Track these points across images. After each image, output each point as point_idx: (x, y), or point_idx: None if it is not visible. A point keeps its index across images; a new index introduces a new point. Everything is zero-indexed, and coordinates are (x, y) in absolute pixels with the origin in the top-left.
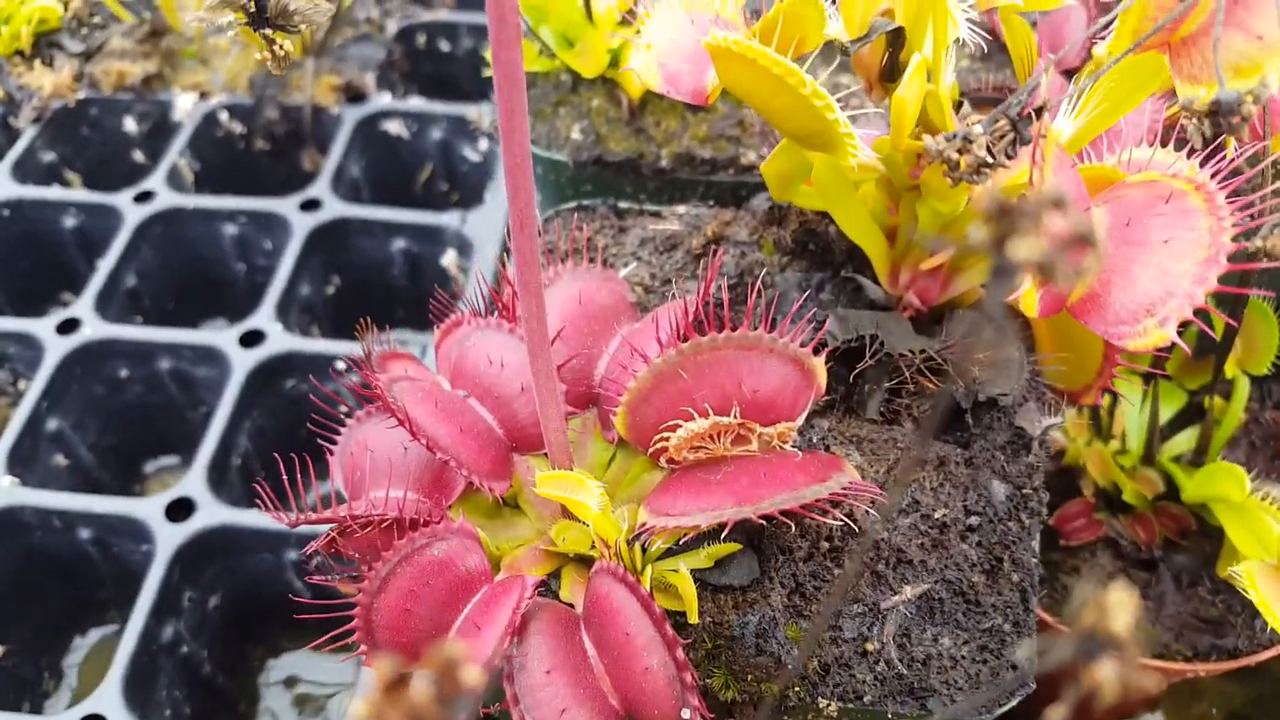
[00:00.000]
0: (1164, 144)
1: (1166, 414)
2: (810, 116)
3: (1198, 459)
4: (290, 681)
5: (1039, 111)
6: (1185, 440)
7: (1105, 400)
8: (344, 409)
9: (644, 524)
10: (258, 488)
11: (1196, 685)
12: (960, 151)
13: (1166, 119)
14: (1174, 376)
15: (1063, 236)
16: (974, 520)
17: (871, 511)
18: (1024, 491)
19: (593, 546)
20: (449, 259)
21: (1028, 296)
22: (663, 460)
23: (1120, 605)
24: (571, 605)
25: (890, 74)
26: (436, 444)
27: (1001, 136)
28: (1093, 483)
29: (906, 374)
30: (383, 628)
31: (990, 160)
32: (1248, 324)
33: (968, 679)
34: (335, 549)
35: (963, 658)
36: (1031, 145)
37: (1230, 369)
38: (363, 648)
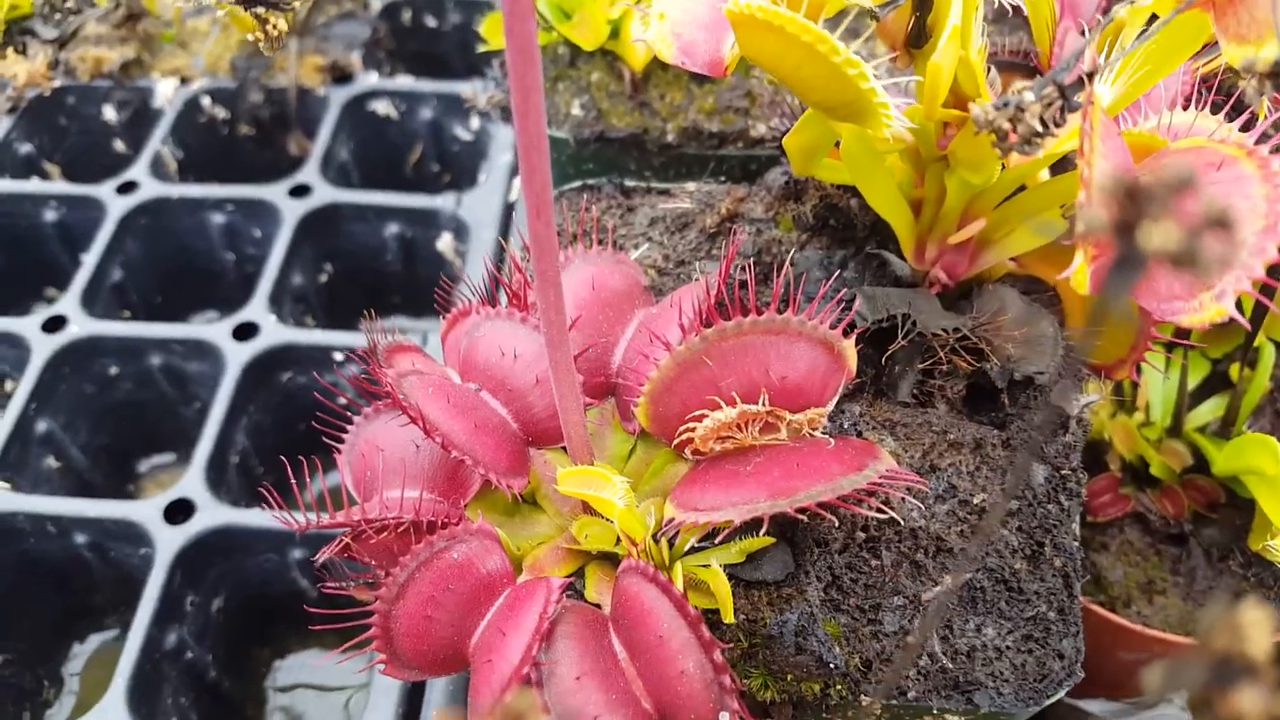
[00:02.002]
0: (1186, 108)
1: (1190, 384)
2: (841, 86)
3: (1224, 429)
4: (298, 684)
5: (1089, 77)
6: (1210, 410)
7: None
8: (343, 401)
9: (672, 519)
10: (263, 491)
11: None
12: (1012, 121)
13: (1201, 80)
14: (1196, 346)
15: (1197, 221)
16: (1013, 504)
17: (908, 499)
18: (1063, 472)
19: (617, 543)
20: (445, 243)
21: (1080, 273)
22: (687, 452)
23: (1255, 625)
24: (598, 606)
25: (917, 39)
26: (451, 442)
27: (1049, 104)
28: (1119, 457)
29: (941, 353)
30: (402, 635)
31: (1042, 130)
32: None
33: (1014, 670)
34: (349, 553)
35: (1008, 648)
36: (1079, 113)
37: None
38: (381, 656)
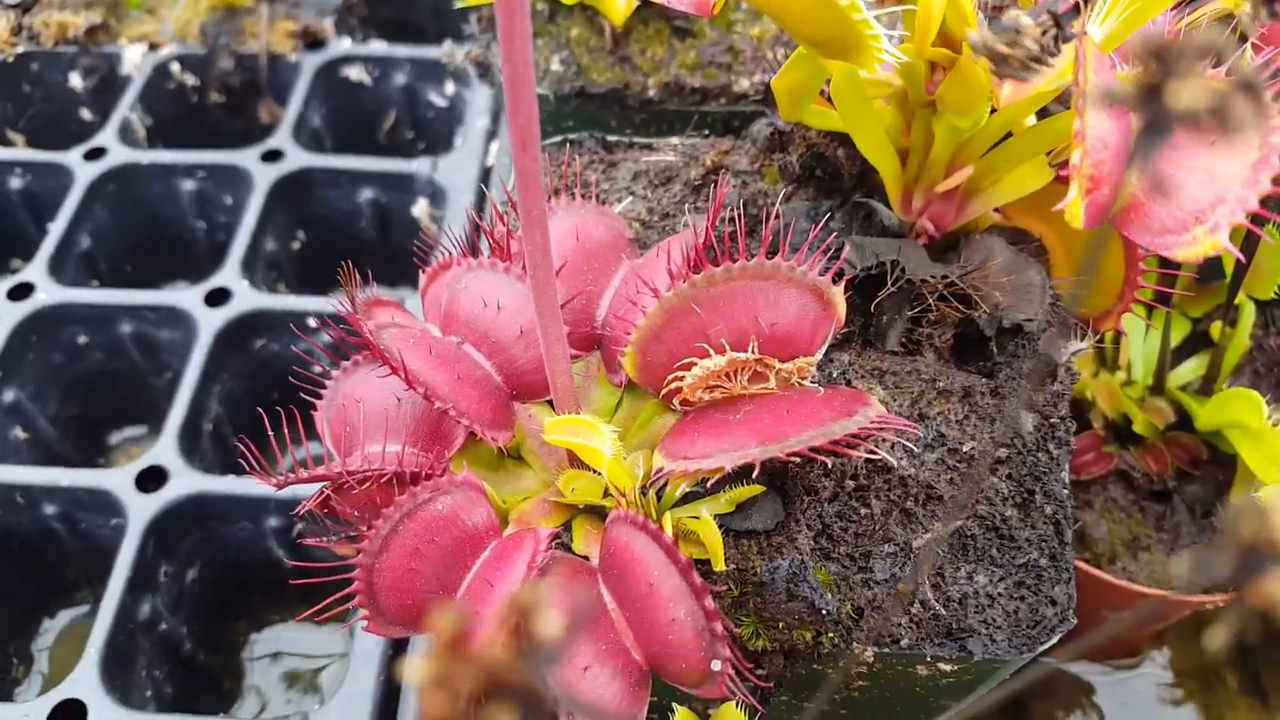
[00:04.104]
0: None
1: (1171, 343)
2: (833, 18)
3: (1205, 387)
4: (276, 655)
5: (1086, 2)
6: (1192, 368)
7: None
8: (319, 369)
9: (661, 469)
10: (241, 448)
11: (1202, 618)
12: (1010, 44)
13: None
14: (1177, 304)
15: (1224, 83)
16: (1003, 452)
17: (898, 445)
18: (1051, 421)
19: (605, 495)
20: (420, 208)
21: (1074, 206)
22: (675, 402)
23: None
24: (585, 558)
25: None
26: (434, 392)
27: (1044, 31)
28: (1101, 415)
29: (929, 301)
30: (386, 589)
31: (1038, 54)
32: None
33: (1006, 617)
34: (329, 509)
35: (1000, 595)
36: (1069, 47)
37: None
38: (364, 613)
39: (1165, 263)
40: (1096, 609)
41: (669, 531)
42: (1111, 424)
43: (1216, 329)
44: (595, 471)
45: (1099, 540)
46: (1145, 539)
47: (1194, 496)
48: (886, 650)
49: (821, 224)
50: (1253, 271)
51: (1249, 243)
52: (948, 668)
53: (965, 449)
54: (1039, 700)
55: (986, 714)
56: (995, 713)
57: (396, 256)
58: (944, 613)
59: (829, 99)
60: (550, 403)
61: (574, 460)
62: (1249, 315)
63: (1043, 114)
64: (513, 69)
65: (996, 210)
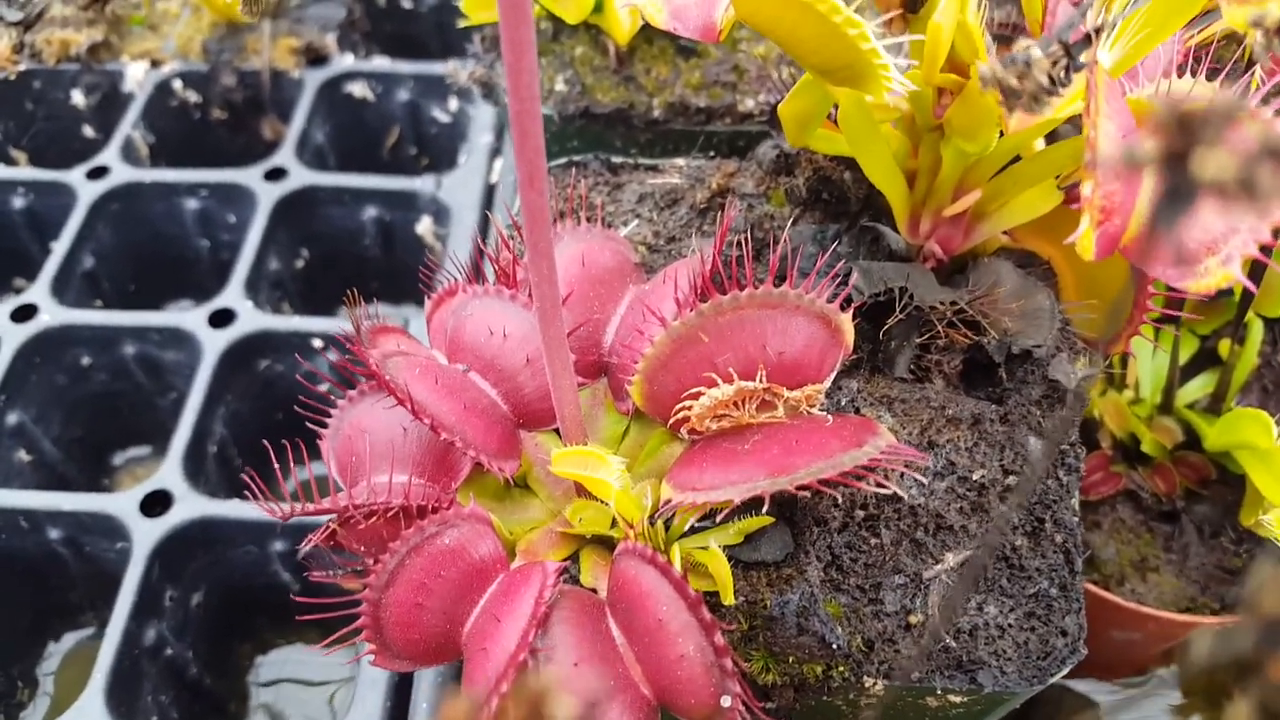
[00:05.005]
0: (1180, 76)
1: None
2: (841, 46)
3: (1213, 406)
4: (281, 679)
5: (1097, 32)
6: (1199, 387)
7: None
8: (324, 392)
9: (669, 500)
10: (245, 479)
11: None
12: (1020, 77)
13: (1188, 51)
14: (1185, 322)
15: (1252, 149)
16: (1012, 480)
17: (907, 475)
18: (1061, 448)
19: (612, 526)
20: (424, 226)
21: (1085, 237)
22: (683, 431)
23: None
24: (593, 590)
25: (913, 4)
26: (441, 423)
27: (1055, 62)
28: (1109, 435)
29: (938, 327)
30: (392, 624)
31: (1049, 86)
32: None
33: (1016, 648)
34: (335, 542)
35: (1010, 626)
36: (1080, 76)
37: None
38: (370, 647)
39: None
40: (1104, 632)
41: (677, 564)
42: (1120, 443)
43: (1224, 346)
44: (603, 501)
45: (1107, 561)
46: (1154, 560)
47: (1202, 517)
48: (897, 684)
49: (830, 250)
50: (1262, 290)
51: (1256, 270)
52: (958, 699)
53: (975, 477)
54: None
55: None
56: None
57: (400, 275)
58: (954, 645)
59: (835, 122)
60: (557, 431)
61: (581, 490)
62: (1257, 333)
63: (1050, 136)
64: (519, 104)
65: (1004, 233)
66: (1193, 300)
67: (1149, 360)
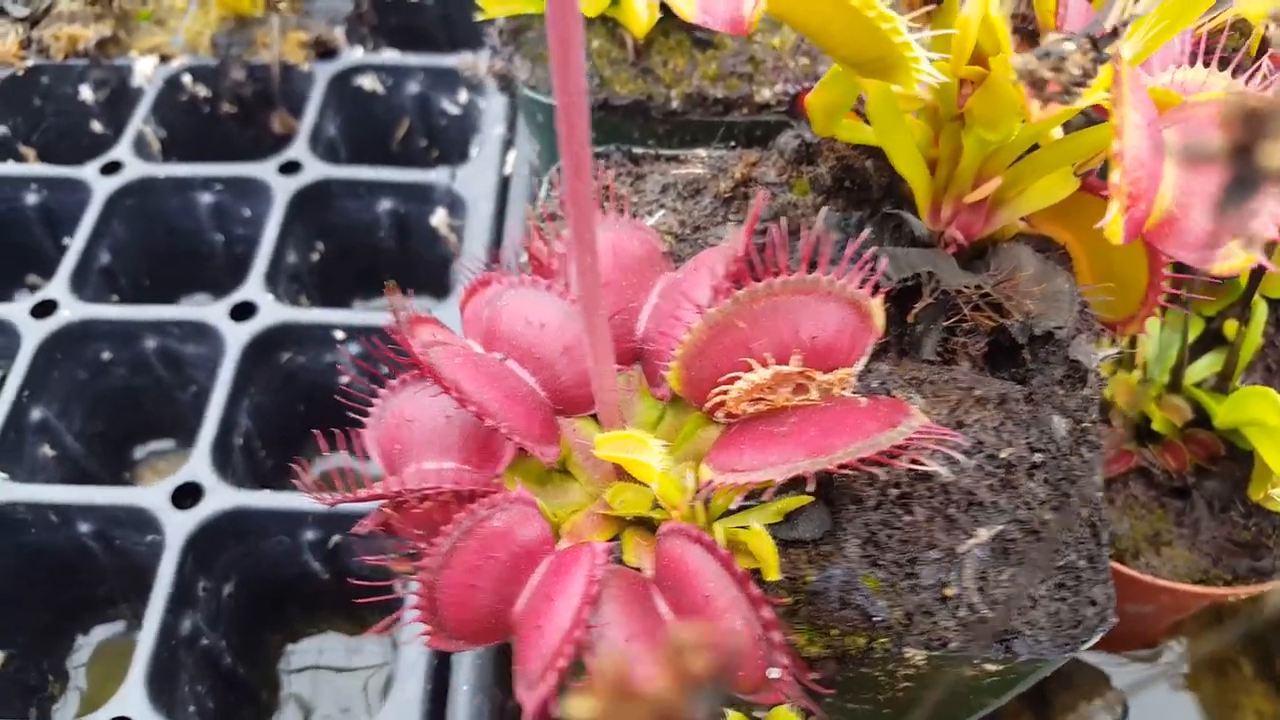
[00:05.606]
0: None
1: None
2: (873, 40)
3: (1220, 384)
4: (312, 667)
5: (1123, 26)
6: (1207, 365)
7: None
8: (346, 380)
9: (710, 482)
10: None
11: (1219, 609)
12: (1055, 70)
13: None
14: (1190, 304)
15: None
16: (1038, 457)
17: (938, 454)
18: (1083, 425)
19: (653, 508)
20: (439, 218)
21: (1114, 222)
22: (719, 415)
23: None
24: (638, 569)
25: None
26: (486, 410)
27: (1086, 53)
28: (1121, 414)
29: (964, 311)
30: (446, 605)
31: (1080, 79)
32: None
33: (1049, 618)
34: (387, 527)
35: (1041, 596)
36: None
37: None
38: (425, 628)
39: (1184, 266)
40: (1121, 603)
41: (722, 542)
42: (1131, 422)
43: (1231, 327)
44: (642, 484)
45: (1122, 536)
46: (1166, 534)
47: (1212, 492)
48: (936, 653)
49: (860, 238)
50: (1270, 272)
51: (1266, 250)
52: (993, 668)
53: (1003, 455)
54: (1061, 690)
55: (1010, 705)
56: (1018, 704)
57: (415, 266)
58: (990, 615)
59: (858, 113)
60: (592, 417)
61: (620, 473)
62: (1261, 314)
63: (1066, 125)
64: (566, 98)
65: (1021, 219)
66: (1202, 283)
67: (1158, 341)
